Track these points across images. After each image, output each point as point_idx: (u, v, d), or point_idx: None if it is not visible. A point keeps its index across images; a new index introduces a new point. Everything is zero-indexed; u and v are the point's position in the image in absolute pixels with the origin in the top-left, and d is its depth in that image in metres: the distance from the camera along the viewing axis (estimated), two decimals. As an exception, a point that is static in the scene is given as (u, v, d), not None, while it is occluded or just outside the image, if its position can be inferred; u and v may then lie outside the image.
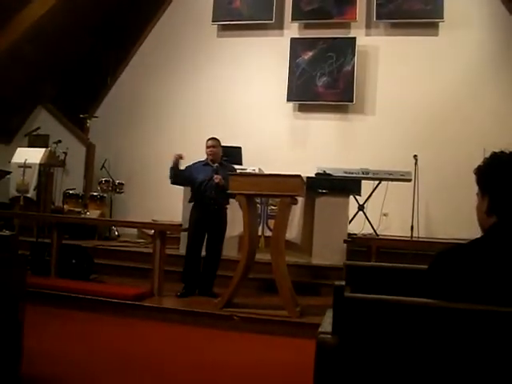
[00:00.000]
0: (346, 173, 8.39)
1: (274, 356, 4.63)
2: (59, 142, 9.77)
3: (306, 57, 10.48)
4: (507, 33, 9.60)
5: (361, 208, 8.44)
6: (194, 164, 6.59)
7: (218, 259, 6.51)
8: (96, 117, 10.86)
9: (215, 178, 6.28)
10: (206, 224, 6.33)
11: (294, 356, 4.53)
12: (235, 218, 6.88)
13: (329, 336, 1.61)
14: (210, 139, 6.58)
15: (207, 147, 6.52)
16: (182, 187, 7.42)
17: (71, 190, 9.85)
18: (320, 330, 1.70)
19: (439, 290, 1.63)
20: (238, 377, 4.03)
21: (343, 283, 2.08)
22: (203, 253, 6.48)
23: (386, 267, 2.52)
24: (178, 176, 6.52)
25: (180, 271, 6.49)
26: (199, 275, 6.45)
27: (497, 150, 1.82)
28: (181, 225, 7.03)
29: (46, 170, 9.12)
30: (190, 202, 6.61)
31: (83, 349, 4.47)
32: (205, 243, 6.49)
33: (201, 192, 6.37)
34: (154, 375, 3.94)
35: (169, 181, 6.61)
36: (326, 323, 1.74)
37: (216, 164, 6.46)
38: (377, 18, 10.16)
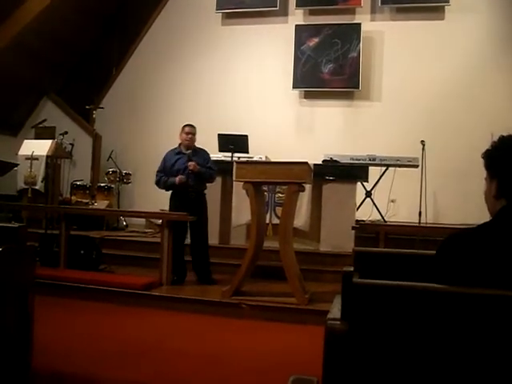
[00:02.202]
0: (352, 159, 8.38)
1: (282, 343, 4.64)
2: (66, 133, 9.81)
3: (311, 43, 10.42)
4: (514, 16, 9.51)
5: (368, 194, 8.42)
6: (165, 156, 6.56)
7: (206, 246, 6.55)
8: (101, 107, 10.84)
9: (189, 165, 6.28)
10: (187, 211, 6.25)
11: (303, 343, 4.55)
12: (242, 207, 6.88)
13: (338, 322, 1.61)
14: (188, 125, 6.55)
15: (186, 133, 6.48)
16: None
17: (79, 181, 9.89)
18: (329, 316, 1.69)
19: (448, 275, 1.62)
20: (247, 364, 4.04)
21: (351, 269, 2.08)
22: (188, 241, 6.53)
23: (394, 253, 2.51)
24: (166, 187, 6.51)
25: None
26: (184, 262, 6.50)
27: (505, 134, 1.80)
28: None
29: (53, 161, 9.13)
30: (167, 190, 6.57)
31: (93, 339, 4.51)
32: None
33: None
34: (164, 364, 3.96)
35: (155, 183, 6.57)
36: (335, 309, 1.74)
37: (189, 151, 6.45)
38: (382, 3, 10.06)
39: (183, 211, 6.25)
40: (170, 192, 6.53)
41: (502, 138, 1.79)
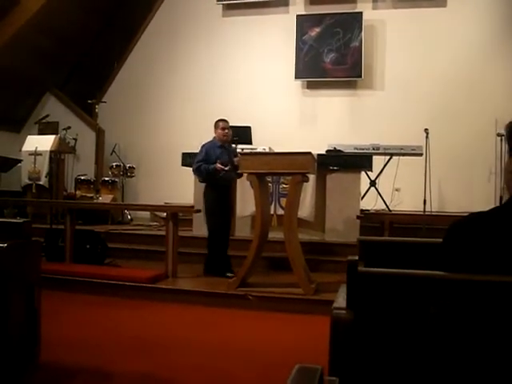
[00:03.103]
0: (356, 149, 8.35)
1: (289, 333, 4.65)
2: (69, 128, 9.81)
3: (312, 33, 10.38)
4: (518, 2, 9.45)
5: (372, 184, 8.41)
6: (207, 147, 6.42)
7: (228, 238, 6.60)
8: (104, 102, 10.83)
9: (237, 160, 6.26)
10: (225, 203, 6.35)
11: (309, 333, 4.55)
12: (247, 198, 6.88)
13: (343, 311, 1.61)
14: (223, 121, 6.46)
15: (223, 129, 6.39)
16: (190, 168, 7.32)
17: (83, 175, 9.90)
18: (334, 305, 1.69)
19: (457, 262, 1.59)
20: (253, 354, 4.04)
21: (357, 258, 2.07)
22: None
23: (399, 242, 2.50)
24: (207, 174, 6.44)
25: (193, 252, 6.51)
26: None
27: None
28: (193, 206, 7.02)
29: (56, 156, 9.16)
30: (203, 182, 6.52)
31: (100, 332, 4.52)
32: None
33: (222, 173, 6.30)
34: (171, 356, 3.97)
35: (195, 170, 6.49)
36: (340, 299, 1.74)
37: (233, 145, 6.57)
38: (383, -9, 10.03)
39: (223, 203, 6.33)
40: (204, 185, 6.46)
41: None
